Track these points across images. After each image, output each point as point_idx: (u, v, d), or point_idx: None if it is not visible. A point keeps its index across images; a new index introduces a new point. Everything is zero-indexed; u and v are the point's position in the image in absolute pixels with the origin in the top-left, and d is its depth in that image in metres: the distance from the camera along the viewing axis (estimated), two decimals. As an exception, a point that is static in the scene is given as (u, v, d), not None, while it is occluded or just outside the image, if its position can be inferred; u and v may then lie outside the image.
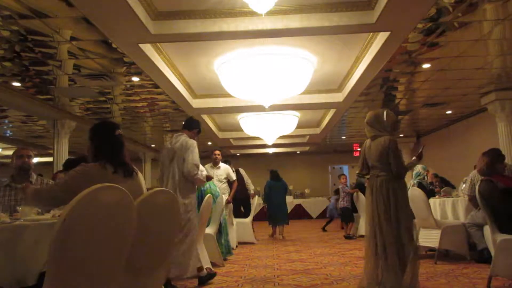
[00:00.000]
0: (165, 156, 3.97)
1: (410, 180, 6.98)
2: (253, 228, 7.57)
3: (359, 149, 9.40)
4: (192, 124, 4.14)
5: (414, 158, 3.50)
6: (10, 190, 3.21)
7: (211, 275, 4.03)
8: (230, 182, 6.56)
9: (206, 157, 6.39)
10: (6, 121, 9.02)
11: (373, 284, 3.14)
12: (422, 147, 3.70)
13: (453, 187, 7.08)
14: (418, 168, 5.92)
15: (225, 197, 5.89)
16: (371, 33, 4.90)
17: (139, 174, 2.37)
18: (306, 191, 15.03)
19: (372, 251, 3.21)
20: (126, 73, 5.85)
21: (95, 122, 2.50)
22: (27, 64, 5.31)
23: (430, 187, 5.97)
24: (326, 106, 8.12)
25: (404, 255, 3.08)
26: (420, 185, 5.77)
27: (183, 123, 4.20)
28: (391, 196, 3.18)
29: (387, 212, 3.16)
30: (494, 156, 3.84)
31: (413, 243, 3.13)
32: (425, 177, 6.00)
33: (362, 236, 6.39)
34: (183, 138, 3.98)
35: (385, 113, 3.42)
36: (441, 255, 4.76)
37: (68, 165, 6.36)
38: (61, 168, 6.72)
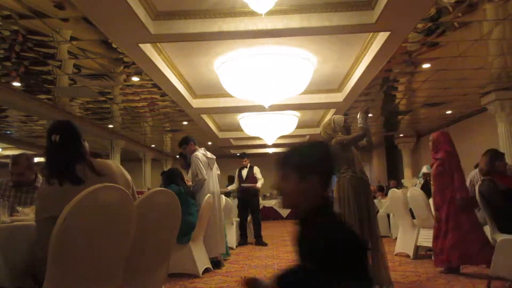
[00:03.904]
0: (207, 164, 5.04)
1: (415, 179, 7.11)
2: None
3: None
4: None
5: (359, 114, 3.61)
6: (16, 192, 3.16)
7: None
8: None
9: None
10: (6, 121, 9.02)
11: None
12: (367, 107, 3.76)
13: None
14: (424, 168, 6.06)
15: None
16: (371, 33, 4.89)
17: (114, 169, 2.09)
18: (306, 191, 15.01)
19: None
20: (126, 73, 5.85)
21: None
22: (27, 64, 5.31)
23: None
24: (326, 106, 8.12)
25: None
26: (426, 181, 5.86)
27: (191, 141, 5.13)
28: (346, 196, 3.38)
29: (347, 210, 3.38)
30: (493, 154, 3.84)
31: (370, 238, 3.34)
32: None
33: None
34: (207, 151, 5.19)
35: (333, 118, 3.70)
36: (441, 255, 4.75)
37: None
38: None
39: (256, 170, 7.35)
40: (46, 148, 2.08)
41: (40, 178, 3.30)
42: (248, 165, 7.39)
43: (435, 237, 4.01)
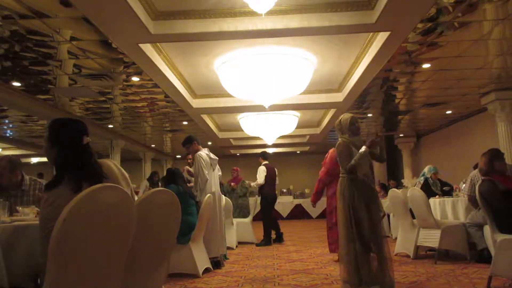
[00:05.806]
0: (209, 164, 5.06)
1: (415, 179, 7.15)
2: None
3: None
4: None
5: (364, 147, 3.42)
6: (5, 198, 3.11)
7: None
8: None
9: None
10: (6, 121, 9.02)
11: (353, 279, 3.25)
12: (376, 135, 3.61)
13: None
14: (425, 169, 6.11)
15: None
16: (371, 33, 4.89)
17: (115, 169, 2.05)
18: (306, 191, 15.01)
19: (341, 250, 3.40)
20: (126, 73, 5.85)
21: (55, 118, 2.07)
22: (27, 64, 5.31)
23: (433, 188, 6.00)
24: (326, 106, 8.12)
25: (356, 251, 3.23)
26: (425, 181, 5.88)
27: (195, 141, 5.12)
28: (345, 196, 3.35)
29: (345, 211, 3.34)
30: (492, 154, 3.85)
31: (373, 240, 3.27)
32: (431, 177, 6.08)
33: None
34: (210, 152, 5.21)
35: (340, 117, 3.59)
36: (441, 255, 4.76)
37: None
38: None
39: (258, 170, 7.39)
40: (64, 148, 1.94)
41: (27, 179, 3.22)
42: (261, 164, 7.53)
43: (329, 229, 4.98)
